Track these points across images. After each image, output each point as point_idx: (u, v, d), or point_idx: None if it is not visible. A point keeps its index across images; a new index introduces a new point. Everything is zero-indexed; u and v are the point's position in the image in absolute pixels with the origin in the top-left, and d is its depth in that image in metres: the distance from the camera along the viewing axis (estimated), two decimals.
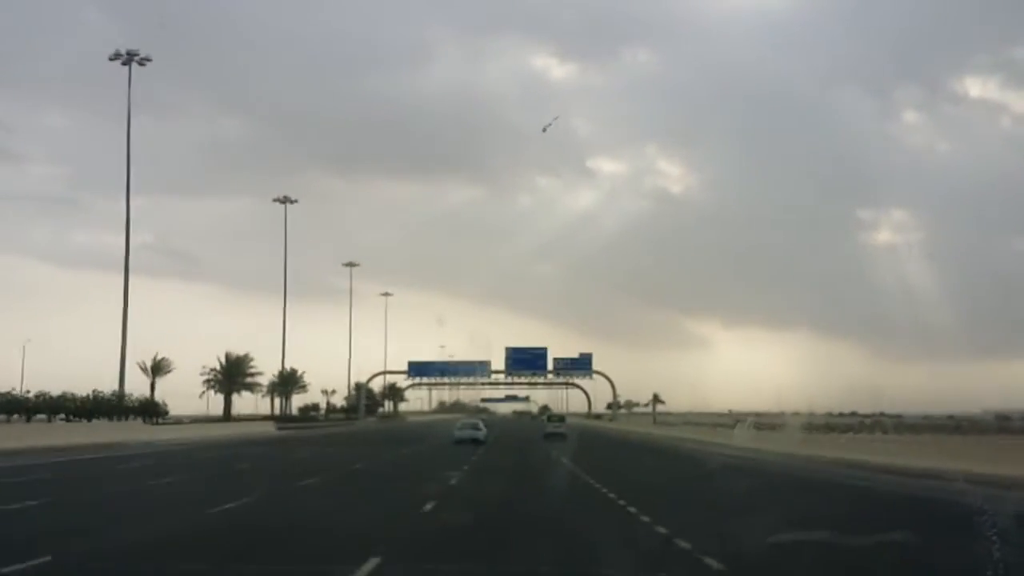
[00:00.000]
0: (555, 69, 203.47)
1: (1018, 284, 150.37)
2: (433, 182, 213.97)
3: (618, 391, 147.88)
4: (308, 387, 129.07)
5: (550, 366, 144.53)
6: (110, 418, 68.82)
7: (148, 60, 70.96)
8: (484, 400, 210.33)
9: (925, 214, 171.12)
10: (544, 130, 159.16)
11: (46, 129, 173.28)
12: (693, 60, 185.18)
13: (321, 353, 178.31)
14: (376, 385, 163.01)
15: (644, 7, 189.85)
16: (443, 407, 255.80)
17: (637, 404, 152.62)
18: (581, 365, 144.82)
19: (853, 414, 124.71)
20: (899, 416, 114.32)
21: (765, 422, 58.44)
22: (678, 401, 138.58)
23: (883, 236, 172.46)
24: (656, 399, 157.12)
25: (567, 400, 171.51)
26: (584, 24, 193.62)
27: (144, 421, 72.56)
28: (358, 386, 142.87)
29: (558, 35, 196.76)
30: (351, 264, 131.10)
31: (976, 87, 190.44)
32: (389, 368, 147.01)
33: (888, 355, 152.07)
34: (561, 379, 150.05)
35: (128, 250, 71.31)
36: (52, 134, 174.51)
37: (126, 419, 70.68)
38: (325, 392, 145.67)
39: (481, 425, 57.25)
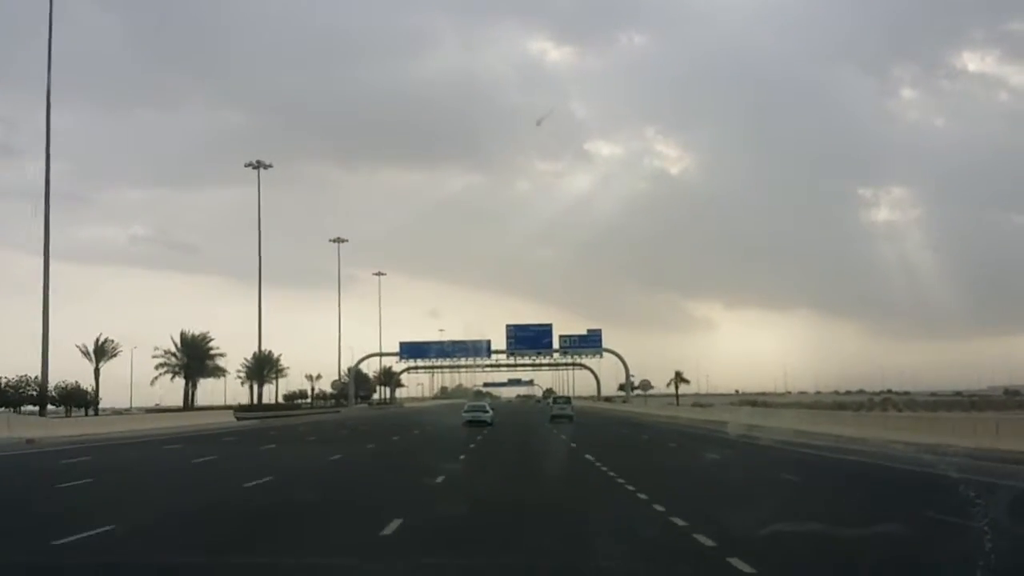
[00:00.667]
0: (552, 53, 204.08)
1: (1018, 259, 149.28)
2: (432, 168, 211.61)
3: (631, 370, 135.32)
4: (286, 372, 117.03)
5: (556, 345, 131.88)
6: (15, 409, 56.21)
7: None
8: (487, 385, 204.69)
9: (924, 191, 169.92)
10: (539, 123, 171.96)
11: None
12: (690, 42, 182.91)
13: (319, 341, 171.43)
14: (371, 370, 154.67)
15: None
16: (444, 393, 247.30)
17: (652, 386, 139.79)
18: (590, 343, 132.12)
19: (860, 392, 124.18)
20: (907, 393, 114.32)
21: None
22: (661, 386, 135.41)
23: (883, 214, 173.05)
24: (679, 378, 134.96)
25: (573, 383, 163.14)
26: (581, 7, 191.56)
27: (67, 413, 60.54)
28: (351, 371, 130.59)
29: (554, 19, 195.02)
30: (339, 240, 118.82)
31: (974, 62, 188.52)
32: (384, 351, 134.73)
33: (889, 333, 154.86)
34: (568, 359, 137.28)
35: (48, 197, 53.81)
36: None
37: (43, 411, 57.98)
38: (310, 377, 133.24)
39: (488, 407, 59.72)
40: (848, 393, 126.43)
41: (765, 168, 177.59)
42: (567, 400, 78.96)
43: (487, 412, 55.70)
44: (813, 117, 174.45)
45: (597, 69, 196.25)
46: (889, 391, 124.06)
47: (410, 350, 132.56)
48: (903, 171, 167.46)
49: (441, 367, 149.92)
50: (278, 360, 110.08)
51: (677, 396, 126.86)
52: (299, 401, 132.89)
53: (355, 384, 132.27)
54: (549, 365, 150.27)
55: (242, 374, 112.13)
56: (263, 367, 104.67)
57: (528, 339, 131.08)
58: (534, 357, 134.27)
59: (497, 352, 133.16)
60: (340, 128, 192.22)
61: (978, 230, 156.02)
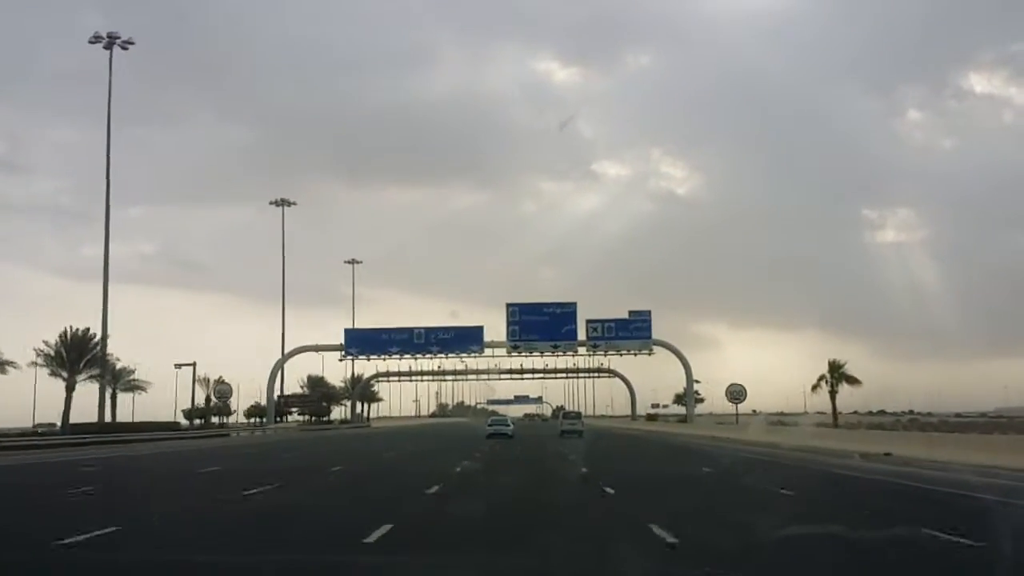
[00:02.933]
0: (558, 73, 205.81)
1: None
2: (438, 187, 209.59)
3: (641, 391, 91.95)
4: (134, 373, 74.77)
5: (581, 334, 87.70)
6: None
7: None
8: (491, 402, 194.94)
9: (930, 212, 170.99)
10: (561, 128, 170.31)
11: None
12: (696, 62, 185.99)
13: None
14: (336, 379, 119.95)
15: (645, 10, 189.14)
16: (443, 411, 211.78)
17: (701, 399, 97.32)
18: (633, 330, 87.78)
19: (882, 412, 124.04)
20: (930, 414, 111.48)
21: None
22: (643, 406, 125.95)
23: (889, 235, 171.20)
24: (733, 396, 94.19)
25: (594, 395, 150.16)
26: (586, 28, 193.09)
27: None
28: (272, 377, 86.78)
29: (560, 39, 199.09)
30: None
31: (981, 83, 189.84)
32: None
33: (897, 353, 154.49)
34: (598, 355, 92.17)
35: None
36: None
37: None
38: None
39: (509, 422, 66.40)
40: (870, 414, 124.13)
41: (771, 189, 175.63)
42: (577, 415, 77.93)
43: (508, 426, 61.83)
44: (820, 137, 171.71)
45: (603, 89, 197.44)
46: (911, 411, 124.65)
47: (358, 341, 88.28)
48: (910, 191, 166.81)
49: (412, 374, 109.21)
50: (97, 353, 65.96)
51: (736, 415, 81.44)
52: (220, 420, 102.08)
53: (275, 396, 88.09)
54: (565, 372, 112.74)
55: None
56: (81, 356, 61.28)
57: (540, 326, 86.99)
58: (549, 353, 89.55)
59: (495, 345, 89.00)
60: (347, 145, 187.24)
61: (987, 250, 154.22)
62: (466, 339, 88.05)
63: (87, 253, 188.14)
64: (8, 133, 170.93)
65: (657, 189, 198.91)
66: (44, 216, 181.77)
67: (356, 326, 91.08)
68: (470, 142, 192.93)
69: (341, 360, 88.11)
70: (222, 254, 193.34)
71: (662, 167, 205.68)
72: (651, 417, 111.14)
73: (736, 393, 64.07)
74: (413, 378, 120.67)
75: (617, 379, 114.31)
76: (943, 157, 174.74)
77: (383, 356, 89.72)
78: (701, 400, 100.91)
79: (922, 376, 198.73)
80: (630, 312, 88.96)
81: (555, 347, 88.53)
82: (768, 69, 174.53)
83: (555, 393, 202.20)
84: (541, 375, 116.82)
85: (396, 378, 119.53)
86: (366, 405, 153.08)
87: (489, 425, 62.63)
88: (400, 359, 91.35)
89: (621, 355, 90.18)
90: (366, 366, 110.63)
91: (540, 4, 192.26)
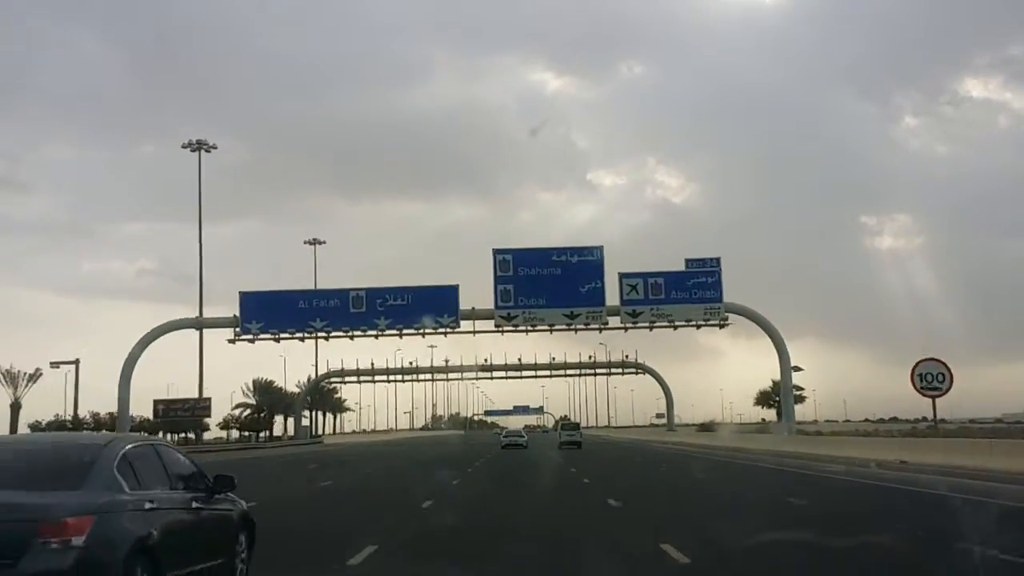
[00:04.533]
0: (552, 83, 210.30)
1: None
2: (434, 199, 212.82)
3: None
4: None
5: (610, 296, 56.21)
6: None
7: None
8: (488, 413, 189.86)
9: (927, 218, 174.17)
10: (533, 134, 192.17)
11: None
12: (690, 70, 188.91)
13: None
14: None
15: (638, 19, 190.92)
16: (436, 423, 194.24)
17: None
18: (692, 288, 56.02)
19: (894, 419, 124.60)
20: (944, 421, 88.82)
21: None
22: (693, 412, 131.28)
23: (887, 241, 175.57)
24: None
25: (615, 400, 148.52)
26: (580, 37, 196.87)
27: None
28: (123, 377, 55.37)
29: (554, 50, 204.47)
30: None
31: (978, 88, 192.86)
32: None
33: (895, 360, 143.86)
34: (641, 320, 58.50)
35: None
36: None
37: None
38: None
39: (523, 434, 71.19)
40: (881, 421, 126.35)
41: (768, 196, 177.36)
42: (575, 426, 72.66)
43: (522, 437, 66.25)
44: (816, 144, 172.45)
45: (598, 99, 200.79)
46: (924, 419, 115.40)
47: (261, 309, 55.95)
48: (907, 197, 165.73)
49: (370, 373, 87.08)
50: None
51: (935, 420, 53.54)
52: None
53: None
54: (578, 368, 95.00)
55: None
56: None
57: (547, 284, 55.57)
58: (562, 327, 57.48)
59: (478, 316, 57.50)
60: (340, 159, 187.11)
61: (984, 256, 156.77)
62: (432, 304, 56.06)
63: None
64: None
65: (654, 198, 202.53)
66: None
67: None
68: (466, 153, 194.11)
69: (234, 341, 56.00)
70: (219, 269, 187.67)
71: (658, 176, 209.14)
72: (705, 427, 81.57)
73: (933, 378, 31.93)
74: (376, 378, 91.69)
75: (643, 376, 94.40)
76: (940, 162, 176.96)
77: (302, 333, 57.48)
78: (801, 399, 72.87)
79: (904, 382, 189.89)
80: (688, 262, 57.06)
81: (571, 317, 56.56)
82: (763, 76, 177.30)
83: (559, 399, 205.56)
84: (547, 372, 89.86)
85: (354, 378, 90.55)
86: (331, 416, 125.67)
87: (504, 437, 68.01)
88: (329, 336, 59.18)
89: (676, 328, 57.62)
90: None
91: (533, 15, 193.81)
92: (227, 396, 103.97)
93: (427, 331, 57.73)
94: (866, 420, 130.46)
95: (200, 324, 59.06)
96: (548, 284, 55.84)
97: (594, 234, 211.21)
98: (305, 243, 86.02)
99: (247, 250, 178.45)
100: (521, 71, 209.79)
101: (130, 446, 7.84)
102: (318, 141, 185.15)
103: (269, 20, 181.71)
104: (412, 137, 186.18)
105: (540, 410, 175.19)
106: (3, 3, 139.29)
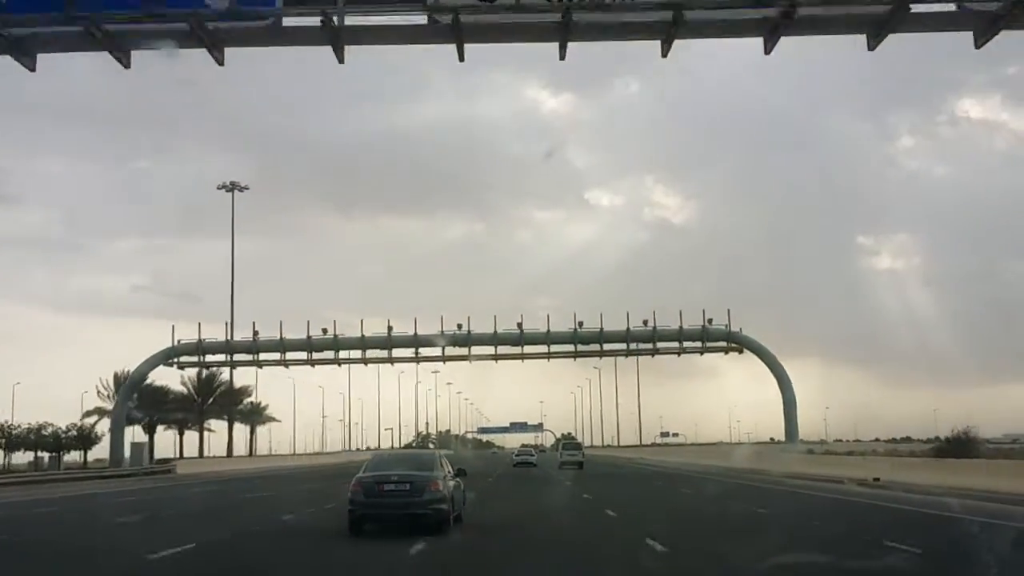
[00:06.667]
0: (548, 101, 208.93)
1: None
2: (431, 218, 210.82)
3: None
4: None
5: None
6: None
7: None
8: (482, 430, 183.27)
9: (925, 238, 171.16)
10: (547, 157, 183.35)
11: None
12: (687, 90, 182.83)
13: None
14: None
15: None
16: (421, 440, 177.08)
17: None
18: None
19: (907, 439, 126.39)
20: (948, 440, 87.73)
21: None
22: (689, 432, 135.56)
23: (884, 262, 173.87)
24: None
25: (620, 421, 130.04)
26: (576, 55, 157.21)
27: None
28: None
29: (552, 68, 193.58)
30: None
31: (975, 108, 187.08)
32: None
33: (897, 380, 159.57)
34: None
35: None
36: None
37: None
38: None
39: (533, 452, 76.49)
40: (894, 440, 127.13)
41: (766, 216, 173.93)
42: (577, 445, 70.16)
43: (532, 456, 71.36)
44: (814, 165, 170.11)
45: (594, 117, 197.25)
46: (938, 438, 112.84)
47: None
48: (904, 218, 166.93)
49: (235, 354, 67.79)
50: None
51: None
52: None
53: None
54: (624, 346, 69.64)
55: None
56: None
57: None
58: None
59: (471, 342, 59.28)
60: (336, 175, 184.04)
61: (983, 276, 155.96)
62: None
63: None
64: None
65: (652, 218, 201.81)
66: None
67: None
68: (461, 171, 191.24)
69: None
70: (215, 285, 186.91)
71: (655, 196, 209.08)
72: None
73: None
74: (286, 361, 68.01)
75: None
76: (937, 183, 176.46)
77: None
78: None
79: (923, 403, 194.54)
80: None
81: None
82: (760, 95, 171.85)
83: (559, 418, 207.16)
84: (594, 346, 67.20)
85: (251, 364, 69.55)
86: (256, 427, 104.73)
87: (516, 455, 72.75)
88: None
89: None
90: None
91: None
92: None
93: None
94: (876, 440, 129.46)
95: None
96: None
97: (592, 253, 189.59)
98: (219, 188, 74.53)
99: (245, 264, 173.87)
100: (517, 88, 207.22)
101: (441, 454, 21.05)
102: (312, 157, 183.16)
103: None
104: (406, 153, 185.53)
105: (539, 427, 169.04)
106: None
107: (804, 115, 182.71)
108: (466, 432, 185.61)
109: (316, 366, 67.30)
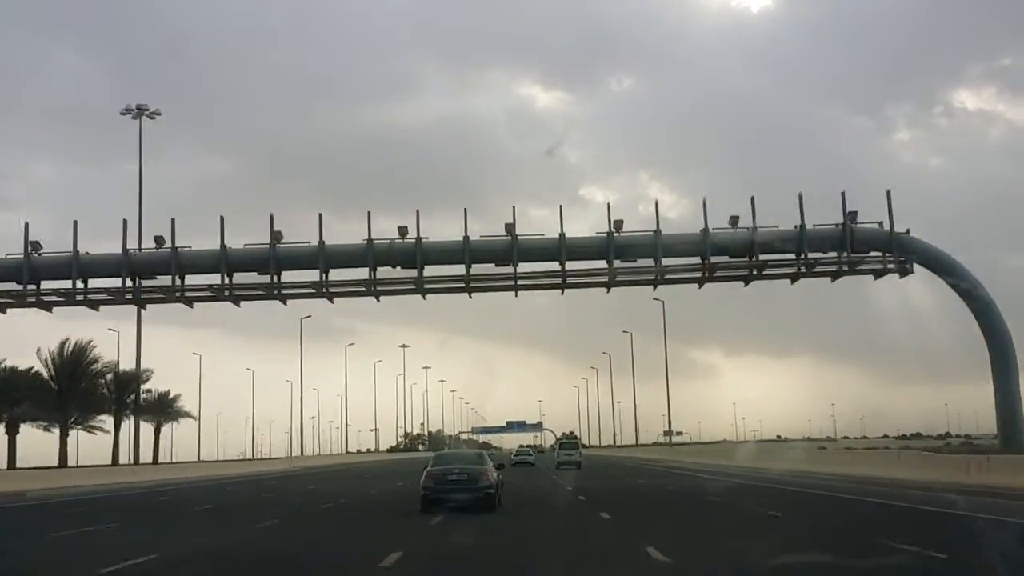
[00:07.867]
0: (541, 97, 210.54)
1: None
2: (423, 213, 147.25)
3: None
4: None
5: None
6: None
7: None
8: (477, 430, 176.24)
9: (922, 232, 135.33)
10: (549, 153, 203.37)
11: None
12: (681, 85, 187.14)
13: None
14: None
15: (628, 33, 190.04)
16: (409, 441, 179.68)
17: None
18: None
19: (917, 435, 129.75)
20: (968, 436, 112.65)
21: None
22: (689, 430, 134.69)
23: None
24: None
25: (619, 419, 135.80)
26: (569, 51, 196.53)
27: None
28: None
29: (544, 64, 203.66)
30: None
31: (971, 99, 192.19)
32: None
33: (895, 377, 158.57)
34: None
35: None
36: None
37: None
38: None
39: (532, 452, 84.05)
40: (903, 437, 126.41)
41: (761, 210, 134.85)
42: (574, 445, 72.32)
43: (531, 456, 77.76)
44: (809, 159, 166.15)
45: (588, 113, 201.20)
46: (948, 434, 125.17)
47: None
48: (900, 211, 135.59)
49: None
50: None
51: None
52: None
53: None
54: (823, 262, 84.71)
55: None
56: None
57: None
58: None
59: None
60: (329, 175, 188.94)
61: (983, 271, 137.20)
62: None
63: None
64: None
65: (647, 214, 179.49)
66: None
67: None
68: (457, 168, 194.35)
69: None
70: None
71: (650, 191, 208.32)
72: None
73: None
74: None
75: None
76: (933, 175, 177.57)
77: None
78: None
79: (922, 400, 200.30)
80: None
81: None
82: (754, 89, 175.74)
83: (560, 417, 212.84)
84: (695, 273, 44.13)
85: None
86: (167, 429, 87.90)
87: (515, 455, 76.53)
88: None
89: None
90: None
91: (523, 29, 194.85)
92: None
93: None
94: (885, 436, 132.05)
95: None
96: None
97: None
98: (122, 113, 70.77)
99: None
100: (511, 86, 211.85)
101: (487, 452, 37.18)
102: (306, 156, 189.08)
103: (259, 37, 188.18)
104: (399, 151, 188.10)
105: (539, 426, 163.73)
106: None
107: (800, 107, 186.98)
108: (460, 433, 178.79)
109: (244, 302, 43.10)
